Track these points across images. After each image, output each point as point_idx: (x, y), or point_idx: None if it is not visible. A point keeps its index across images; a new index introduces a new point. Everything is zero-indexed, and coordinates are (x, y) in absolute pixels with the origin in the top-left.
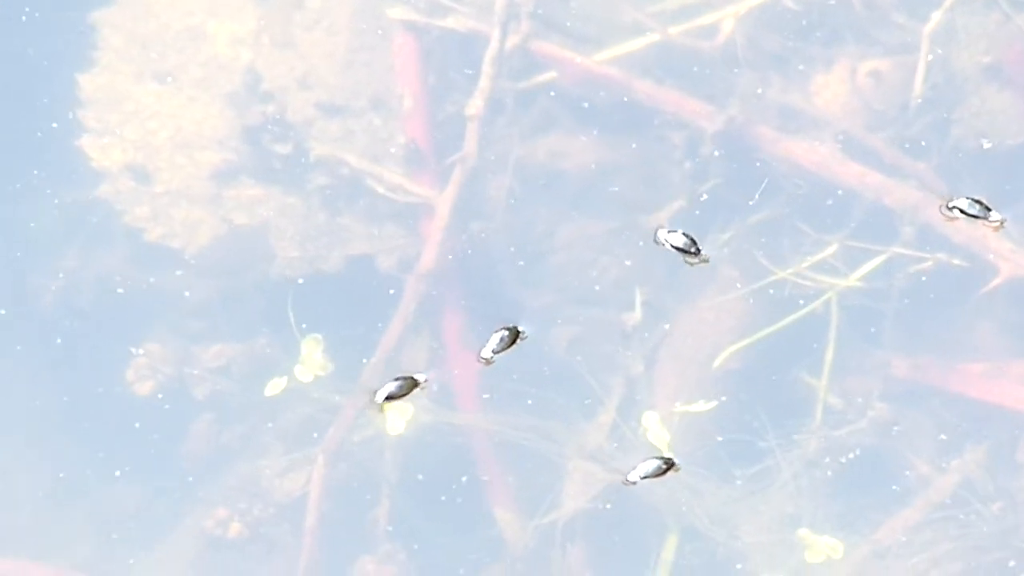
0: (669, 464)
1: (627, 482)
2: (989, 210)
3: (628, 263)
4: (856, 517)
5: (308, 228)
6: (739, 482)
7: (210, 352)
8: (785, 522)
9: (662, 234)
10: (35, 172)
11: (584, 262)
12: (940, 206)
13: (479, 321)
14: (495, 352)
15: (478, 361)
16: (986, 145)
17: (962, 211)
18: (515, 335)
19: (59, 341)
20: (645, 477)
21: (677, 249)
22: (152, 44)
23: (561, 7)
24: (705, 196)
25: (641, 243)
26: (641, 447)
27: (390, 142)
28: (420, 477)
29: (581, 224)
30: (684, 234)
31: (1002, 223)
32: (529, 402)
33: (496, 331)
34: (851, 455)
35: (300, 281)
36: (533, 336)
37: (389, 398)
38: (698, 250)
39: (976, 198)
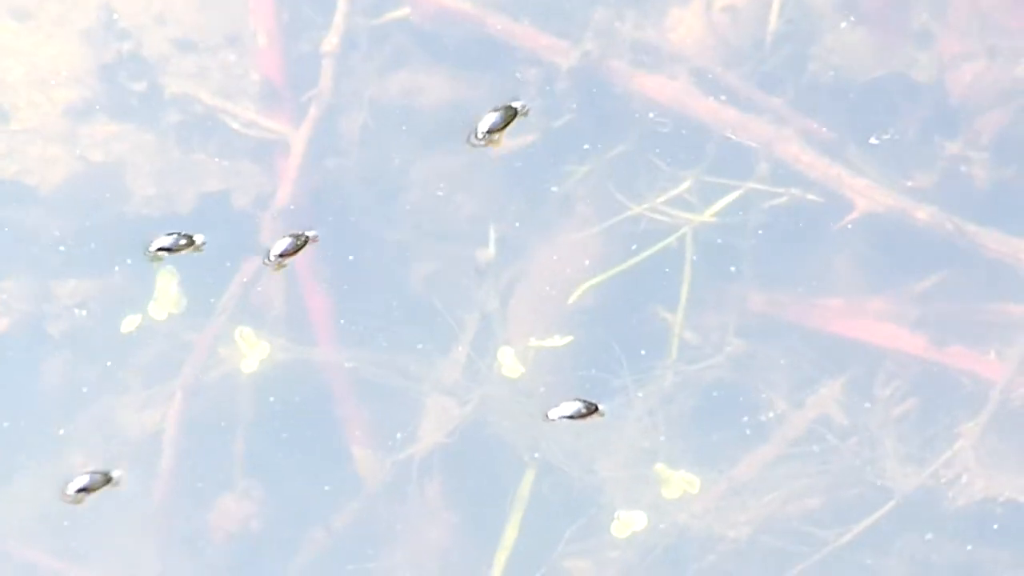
0: (592, 409)
1: (546, 418)
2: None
3: (482, 198)
4: (713, 453)
5: (163, 165)
6: (595, 418)
7: (66, 288)
8: (641, 457)
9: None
10: None
11: (439, 198)
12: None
13: (333, 257)
14: (492, 131)
15: (474, 140)
16: (873, 141)
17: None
18: (513, 112)
19: None
20: (565, 417)
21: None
22: None
23: None
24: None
25: (487, 179)
26: (496, 382)
27: (245, 79)
28: (276, 414)
29: (436, 160)
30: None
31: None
32: (384, 338)
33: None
34: (707, 390)
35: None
36: (389, 272)
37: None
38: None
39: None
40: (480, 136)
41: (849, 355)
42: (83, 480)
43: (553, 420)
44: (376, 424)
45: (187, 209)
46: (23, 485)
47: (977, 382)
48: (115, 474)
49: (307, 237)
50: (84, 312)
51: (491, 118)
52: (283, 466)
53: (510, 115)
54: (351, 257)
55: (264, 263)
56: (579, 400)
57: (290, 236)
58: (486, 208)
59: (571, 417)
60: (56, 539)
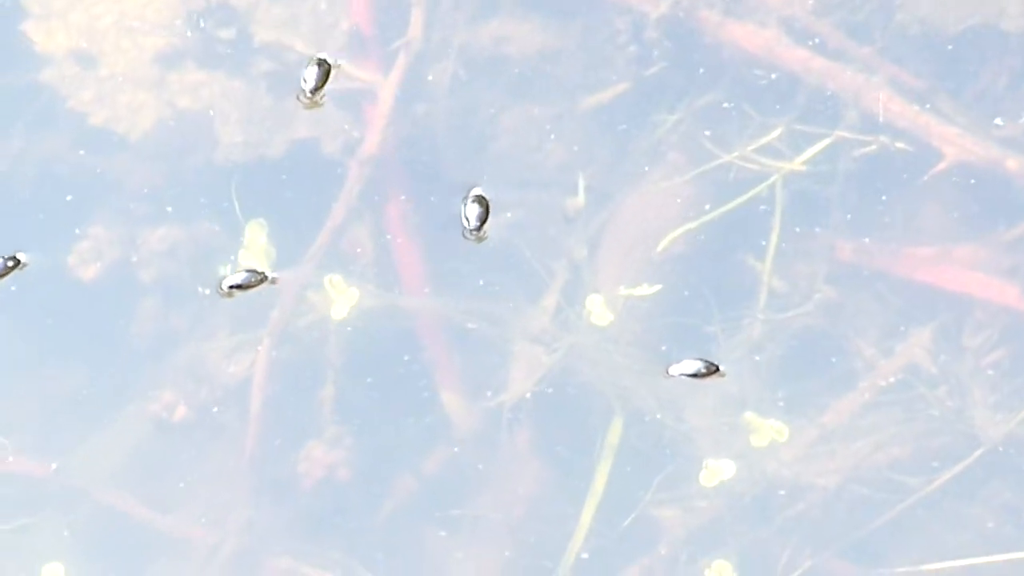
0: (712, 369)
1: (666, 374)
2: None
3: (572, 147)
4: (801, 401)
5: (252, 112)
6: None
7: (156, 235)
8: (731, 406)
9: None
10: None
11: (528, 146)
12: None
13: (422, 205)
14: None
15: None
16: (998, 122)
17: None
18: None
19: (2, 225)
20: (686, 375)
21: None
22: None
23: None
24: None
25: (577, 127)
26: (585, 330)
27: (335, 27)
28: (365, 361)
29: (525, 108)
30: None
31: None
32: (476, 285)
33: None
34: (796, 338)
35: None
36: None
37: (234, 287)
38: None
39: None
40: (470, 231)
41: (938, 303)
42: (239, 277)
43: (673, 376)
44: (465, 371)
45: (276, 156)
46: (114, 432)
47: None
48: (271, 274)
49: (329, 64)
50: (174, 258)
51: (474, 210)
52: (372, 413)
53: (485, 205)
54: (440, 204)
55: (304, 100)
56: (701, 360)
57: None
58: (576, 156)
59: (692, 375)
60: (146, 486)
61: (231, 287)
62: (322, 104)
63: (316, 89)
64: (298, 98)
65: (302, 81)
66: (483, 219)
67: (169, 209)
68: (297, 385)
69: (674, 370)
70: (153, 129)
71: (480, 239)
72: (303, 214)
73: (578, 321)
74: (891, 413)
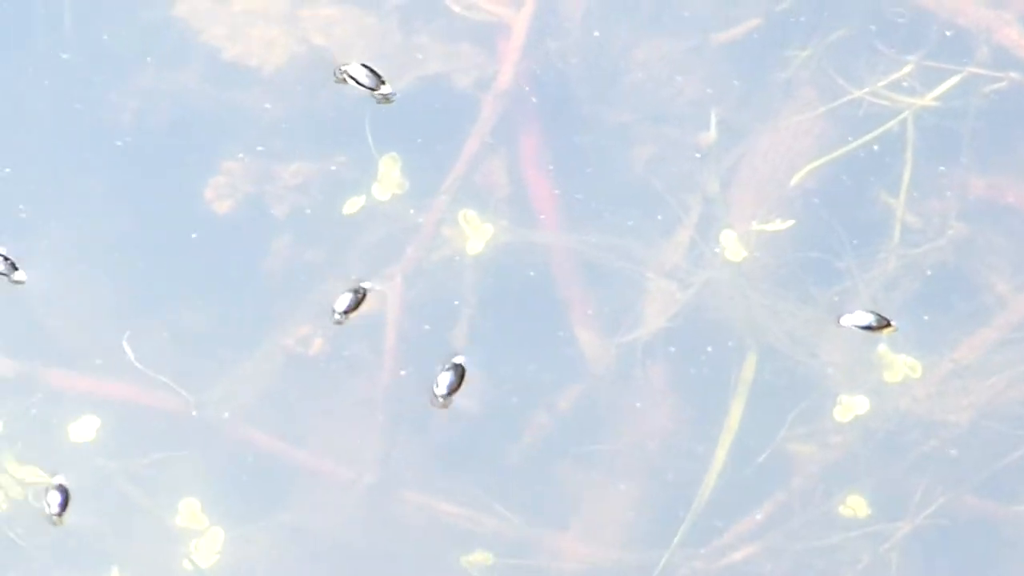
0: (884, 323)
1: (837, 323)
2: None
3: (704, 82)
4: (934, 337)
5: (385, 47)
6: (818, 302)
7: (289, 170)
8: (863, 341)
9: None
10: None
11: (660, 81)
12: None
13: (555, 140)
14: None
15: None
16: None
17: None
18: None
19: (137, 160)
20: (859, 327)
21: (358, 83)
22: None
23: None
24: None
25: (709, 62)
26: (718, 265)
27: None
28: (499, 296)
29: (657, 43)
30: (363, 65)
31: None
32: (607, 221)
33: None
34: (929, 274)
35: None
36: (611, 155)
37: (347, 311)
38: (382, 82)
39: None
40: (440, 398)
41: None
42: (345, 301)
43: (844, 327)
44: (600, 307)
45: (408, 91)
46: (247, 367)
47: None
48: (385, 89)
49: (364, 291)
50: (307, 193)
51: (446, 378)
52: (507, 348)
53: (460, 375)
54: (573, 139)
55: (333, 320)
56: (872, 312)
57: (350, 292)
58: (707, 91)
59: (864, 328)
60: (282, 420)
61: (343, 313)
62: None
63: (347, 312)
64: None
65: (334, 306)
66: (454, 388)
67: (302, 144)
68: (431, 320)
69: (846, 321)
70: (286, 64)
71: (445, 406)
72: (436, 148)
73: (711, 256)
74: None
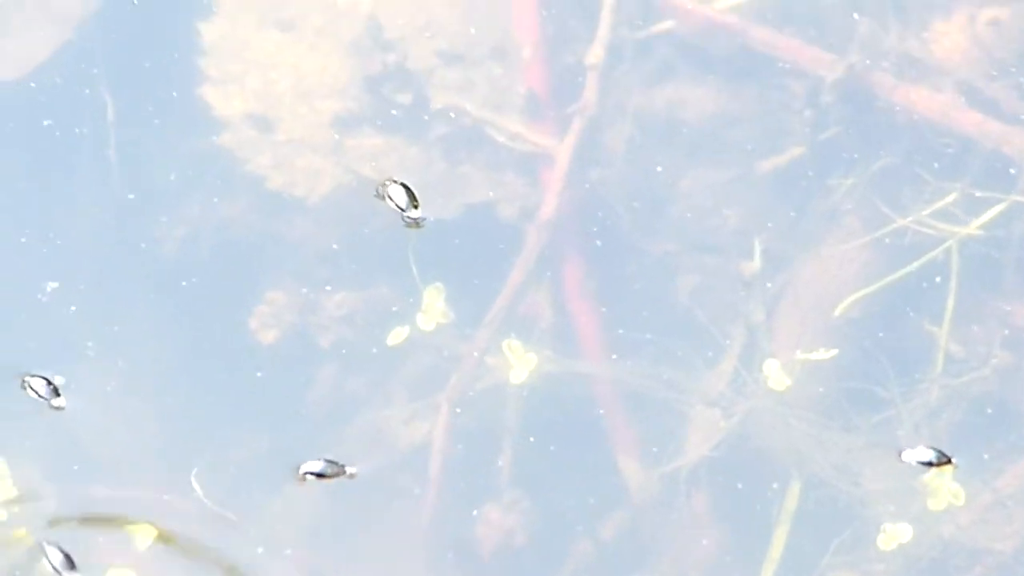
0: (944, 460)
1: (899, 458)
2: None
3: (748, 211)
4: (978, 464)
5: (429, 177)
6: (861, 430)
7: (333, 300)
8: (907, 469)
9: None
10: (157, 120)
11: (704, 210)
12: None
13: (600, 269)
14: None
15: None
16: None
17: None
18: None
19: (182, 289)
20: (920, 463)
21: (393, 203)
22: None
23: None
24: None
25: (752, 191)
26: (762, 394)
27: (510, 91)
28: (543, 425)
29: (700, 172)
30: (403, 185)
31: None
32: (650, 350)
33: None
34: (972, 403)
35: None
36: (655, 284)
37: (312, 474)
38: (415, 206)
39: None
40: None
41: None
42: (316, 466)
43: (906, 462)
44: (642, 436)
45: (452, 220)
46: (295, 493)
47: None
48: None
49: (345, 471)
50: (351, 323)
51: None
52: (549, 477)
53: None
54: (617, 269)
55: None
56: (933, 448)
57: (326, 461)
58: (751, 220)
59: (925, 463)
60: (326, 549)
61: (307, 474)
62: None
63: (314, 475)
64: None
65: (303, 466)
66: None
67: (346, 274)
68: (475, 449)
69: (907, 456)
70: (330, 193)
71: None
72: (480, 278)
73: (755, 385)
74: None
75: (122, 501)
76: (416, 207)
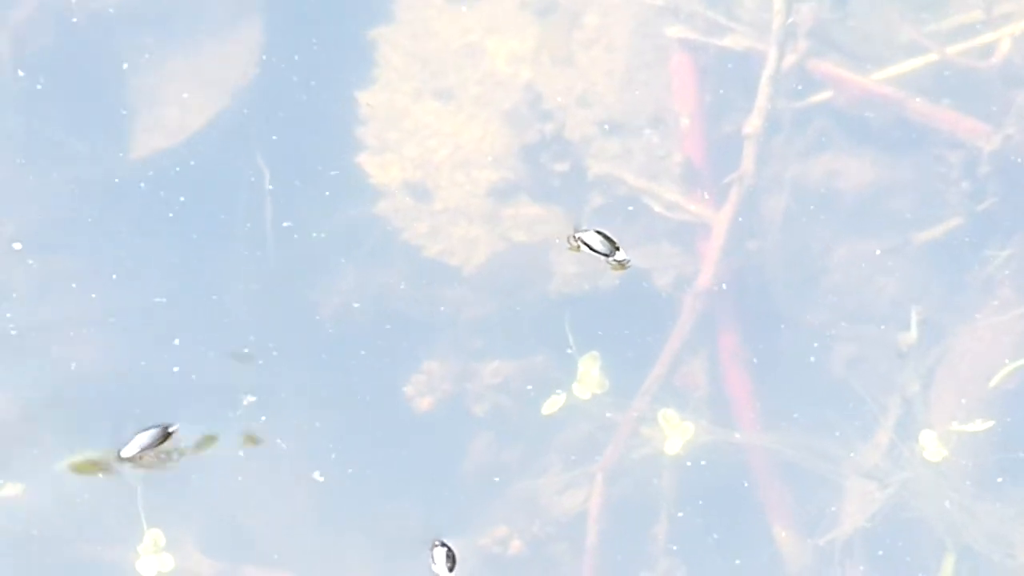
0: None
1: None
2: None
3: (905, 281)
4: None
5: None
6: (1016, 501)
7: (488, 369)
8: None
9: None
10: (316, 189)
11: (860, 280)
12: (568, 236)
13: (756, 339)
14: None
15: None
16: None
17: (586, 244)
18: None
19: (340, 356)
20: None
21: (593, 250)
22: (431, 62)
23: (838, 26)
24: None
25: (909, 262)
26: (918, 466)
27: (667, 160)
28: (698, 495)
29: (857, 242)
30: (598, 232)
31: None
32: (805, 421)
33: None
34: None
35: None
36: (810, 354)
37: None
38: (616, 248)
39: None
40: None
41: None
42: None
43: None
44: (798, 506)
45: (609, 288)
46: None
47: None
48: (172, 428)
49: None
50: (506, 392)
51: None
52: (706, 547)
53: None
54: (772, 339)
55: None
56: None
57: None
58: (908, 291)
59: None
60: None
61: (580, 240)
62: None
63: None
64: None
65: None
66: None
67: (502, 343)
68: (631, 519)
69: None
70: (487, 262)
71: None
72: (636, 347)
73: (911, 456)
74: None
75: None
76: (618, 249)
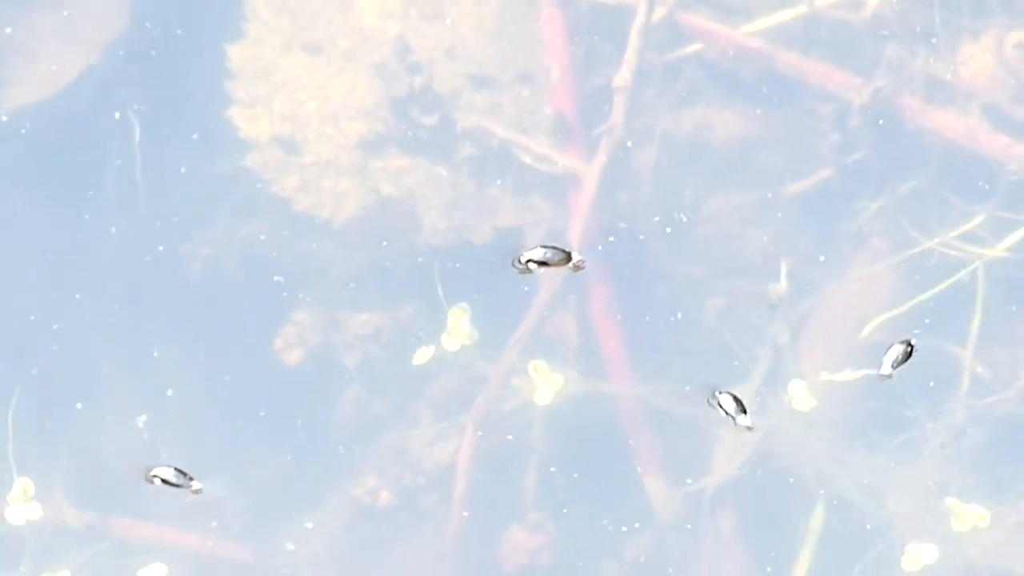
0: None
1: (881, 377)
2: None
3: (775, 234)
4: (1003, 486)
5: (456, 198)
6: (886, 451)
7: (358, 321)
8: (932, 491)
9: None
10: (184, 142)
11: (731, 233)
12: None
13: (626, 292)
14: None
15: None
16: None
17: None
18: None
19: (207, 309)
20: (896, 366)
21: (545, 265)
22: (300, 15)
23: None
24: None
25: (780, 214)
26: (787, 415)
27: (537, 114)
28: (568, 446)
29: (728, 195)
30: (543, 246)
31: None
32: (675, 371)
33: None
34: (998, 424)
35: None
36: (681, 306)
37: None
38: (568, 254)
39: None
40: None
41: None
42: (167, 472)
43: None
44: (667, 456)
45: (479, 242)
46: (318, 517)
47: None
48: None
49: (192, 485)
50: (377, 343)
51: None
52: (575, 497)
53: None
54: (643, 291)
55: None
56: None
57: (175, 471)
58: (778, 243)
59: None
60: (350, 571)
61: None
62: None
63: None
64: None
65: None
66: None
67: (372, 295)
68: (500, 470)
69: (884, 370)
70: (356, 215)
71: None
72: (506, 300)
73: (780, 406)
74: None
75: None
76: (745, 413)
